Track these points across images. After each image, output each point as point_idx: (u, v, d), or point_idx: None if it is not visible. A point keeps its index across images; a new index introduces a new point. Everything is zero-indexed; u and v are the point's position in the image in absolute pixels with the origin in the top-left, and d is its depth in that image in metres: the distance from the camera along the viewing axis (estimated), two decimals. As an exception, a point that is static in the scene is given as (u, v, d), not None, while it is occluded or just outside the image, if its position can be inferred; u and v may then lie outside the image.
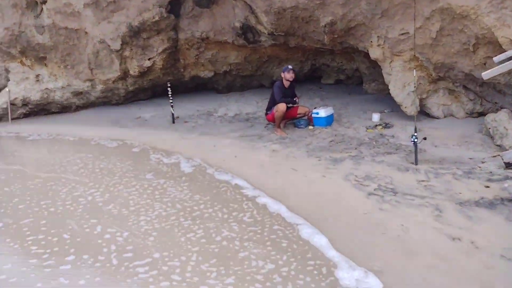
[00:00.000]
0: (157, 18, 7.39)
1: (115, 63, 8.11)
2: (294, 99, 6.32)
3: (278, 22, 6.70)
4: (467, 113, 6.03)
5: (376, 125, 6.09)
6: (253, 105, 8.38)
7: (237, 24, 7.47)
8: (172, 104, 7.31)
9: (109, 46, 7.78)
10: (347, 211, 3.42)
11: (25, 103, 8.65)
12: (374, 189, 3.85)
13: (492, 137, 4.97)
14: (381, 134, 5.73)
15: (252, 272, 2.60)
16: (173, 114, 7.34)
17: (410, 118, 6.22)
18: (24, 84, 8.62)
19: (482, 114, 5.95)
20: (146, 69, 8.09)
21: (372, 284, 2.42)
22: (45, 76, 8.71)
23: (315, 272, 2.58)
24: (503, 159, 4.05)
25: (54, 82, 8.67)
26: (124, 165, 5.02)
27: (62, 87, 8.67)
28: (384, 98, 8.05)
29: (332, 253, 2.74)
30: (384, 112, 6.98)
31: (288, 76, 6.10)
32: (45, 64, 8.61)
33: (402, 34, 5.70)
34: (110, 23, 7.65)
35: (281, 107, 5.96)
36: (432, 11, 5.15)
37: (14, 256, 2.98)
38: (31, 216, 3.67)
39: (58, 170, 5.02)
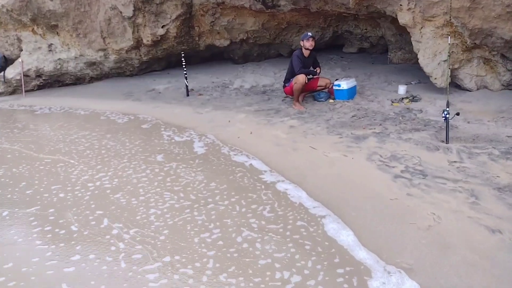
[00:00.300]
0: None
1: (128, 31, 7.80)
2: (315, 69, 5.91)
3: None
4: (503, 85, 5.52)
5: (402, 98, 5.66)
6: (270, 76, 7.99)
7: (255, -12, 7.00)
8: (186, 76, 7.01)
9: (121, 12, 7.44)
10: (372, 197, 3.13)
11: (38, 75, 8.49)
12: (401, 171, 3.53)
13: (533, 112, 4.52)
14: (407, 108, 5.32)
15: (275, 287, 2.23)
16: (187, 87, 7.05)
17: (439, 90, 5.76)
18: (37, 54, 8.42)
19: (520, 86, 5.45)
20: (159, 38, 7.76)
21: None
22: (58, 45, 8.47)
23: (346, 286, 2.20)
24: (547, 139, 3.63)
25: (67, 52, 8.44)
26: (134, 145, 4.72)
27: (75, 57, 8.44)
28: (410, 68, 7.54)
29: (361, 255, 2.42)
30: (411, 83, 6.51)
31: (307, 44, 5.68)
32: (57, 33, 8.36)
33: (436, -4, 5.16)
34: (121, -12, 7.29)
35: (301, 78, 5.59)
36: (471, -31, 4.59)
37: (16, 253, 2.69)
38: (36, 204, 3.40)
39: (63, 150, 4.73)
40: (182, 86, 7.38)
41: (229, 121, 5.43)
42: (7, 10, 8.03)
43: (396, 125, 4.73)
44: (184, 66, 6.95)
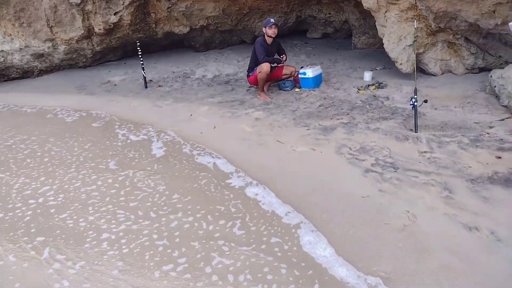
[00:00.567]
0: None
1: (77, 19, 7.20)
2: (281, 57, 5.65)
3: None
4: (467, 69, 5.51)
5: (368, 85, 5.53)
6: (233, 64, 7.67)
7: (212, -28, 6.61)
8: (143, 66, 6.56)
9: None
10: (343, 195, 2.95)
11: (-21, 69, 7.73)
12: (372, 164, 3.37)
13: (497, 97, 4.49)
14: (374, 96, 5.20)
15: None
16: (145, 78, 6.61)
17: (405, 76, 5.69)
18: (-24, 46, 7.65)
19: (484, 69, 5.45)
20: (112, 26, 7.22)
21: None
22: (-1, 36, 7.72)
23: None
24: (515, 125, 3.59)
25: (10, 43, 7.69)
26: (83, 150, 4.12)
27: (20, 49, 7.71)
28: (375, 54, 7.46)
29: (341, 272, 2.16)
30: (376, 69, 6.41)
31: (270, 32, 5.39)
32: (-3, 23, 7.61)
33: (400, -21, 5.00)
34: (66, -27, 6.68)
35: (265, 67, 5.31)
36: (435, -49, 4.45)
37: None
38: None
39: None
40: (139, 77, 6.93)
41: (191, 114, 5.10)
42: None
43: (363, 114, 4.58)
44: (140, 56, 6.49)
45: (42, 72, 8.27)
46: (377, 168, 3.30)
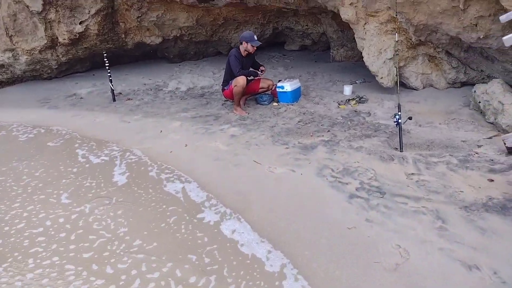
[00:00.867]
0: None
1: (39, 28, 6.73)
2: (260, 69, 5.35)
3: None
4: (449, 83, 5.36)
5: (348, 100, 5.30)
6: (209, 76, 7.34)
7: (185, -20, 6.30)
8: (111, 78, 6.14)
9: (27, 6, 6.37)
10: (327, 226, 2.64)
11: None
12: (356, 189, 3.09)
13: (482, 113, 4.33)
14: (355, 111, 4.96)
15: None
16: (113, 91, 6.19)
17: (386, 90, 5.50)
18: None
19: (466, 84, 5.32)
20: (78, 36, 6.78)
21: None
22: (-46, 46, 7.14)
23: None
24: (505, 144, 3.39)
25: (-34, 54, 7.15)
26: (33, 178, 3.56)
27: (-23, 60, 7.18)
28: (354, 67, 7.29)
29: None
30: (356, 83, 6.21)
31: (250, 49, 5.11)
32: (-48, 31, 7.04)
33: (380, -10, 4.82)
34: (27, -21, 6.23)
35: (241, 81, 5.01)
36: (416, -38, 4.29)
37: None
38: None
39: None
40: (108, 90, 6.49)
41: (161, 131, 4.72)
42: None
43: (345, 131, 4.32)
44: (108, 67, 6.08)
45: (3, 84, 7.71)
46: (362, 193, 3.02)
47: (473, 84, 5.17)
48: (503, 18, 2.90)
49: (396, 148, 3.76)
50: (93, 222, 2.85)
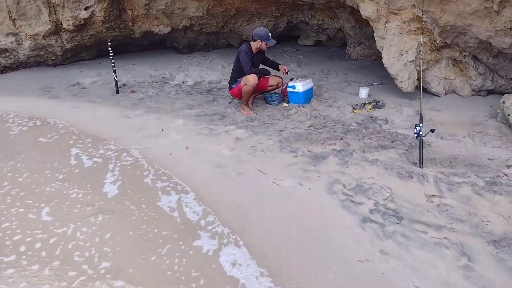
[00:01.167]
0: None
1: (43, 13, 6.47)
2: (284, 70, 5.03)
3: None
4: (473, 91, 4.97)
5: (364, 104, 4.95)
6: (218, 70, 7.02)
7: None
8: (114, 69, 5.87)
9: (31, -10, 6.10)
10: (335, 256, 2.34)
11: None
12: (370, 211, 2.78)
13: (511, 127, 3.96)
14: (371, 117, 4.62)
15: None
16: (116, 82, 5.92)
17: (405, 94, 5.14)
18: None
19: (492, 92, 4.93)
20: (83, 22, 6.50)
21: None
22: (-42, 28, 6.92)
23: None
24: (539, 167, 3.03)
25: (-31, 36, 6.92)
26: (14, 183, 3.17)
27: (-20, 43, 6.95)
28: (371, 66, 6.90)
29: None
30: (372, 84, 5.84)
31: (264, 47, 4.79)
32: (-46, 13, 6.81)
33: (405, -13, 4.44)
34: (31, -40, 5.95)
35: (251, 79, 4.68)
36: (449, -43, 3.89)
37: None
38: None
39: None
40: (112, 81, 6.22)
41: (163, 129, 4.44)
42: None
43: (359, 139, 3.99)
44: (112, 57, 5.80)
45: (7, 69, 7.50)
46: (377, 217, 2.70)
47: (500, 93, 4.79)
48: None
49: (415, 164, 3.43)
50: (74, 251, 2.44)
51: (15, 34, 6.67)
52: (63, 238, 2.57)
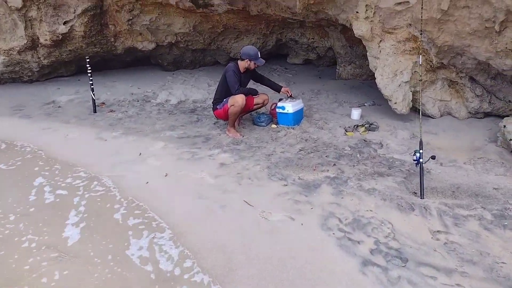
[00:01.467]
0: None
1: (19, 27, 6.12)
2: (287, 93, 4.81)
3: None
4: (470, 113, 4.77)
5: (357, 126, 4.68)
6: (203, 89, 6.72)
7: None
8: (92, 87, 5.52)
9: (6, 1, 5.75)
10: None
11: None
12: (371, 251, 2.46)
13: (513, 152, 3.72)
14: (364, 140, 4.35)
15: None
16: (94, 101, 5.56)
17: (398, 116, 4.91)
18: None
19: (489, 115, 4.73)
20: (61, 37, 6.16)
21: None
22: None
23: None
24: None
25: None
26: None
27: (-49, 58, 6.54)
28: (362, 86, 6.70)
29: None
30: (364, 105, 5.61)
31: (253, 66, 4.53)
32: None
33: (400, 3, 4.25)
34: (6, -28, 5.63)
35: (240, 100, 4.38)
36: (446, -27, 3.72)
37: None
38: None
39: None
40: (91, 98, 5.86)
41: (140, 153, 4.09)
42: None
43: (354, 166, 3.70)
44: (90, 74, 5.46)
45: (-21, 85, 7.06)
46: (378, 259, 2.38)
47: (498, 116, 4.60)
48: None
49: (416, 193, 3.14)
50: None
51: (-13, 49, 6.29)
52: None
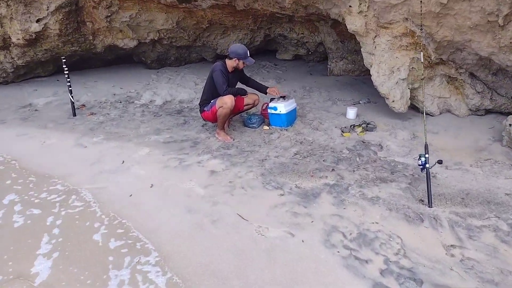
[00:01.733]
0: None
1: (-11, 26, 5.68)
2: (274, 92, 4.49)
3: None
4: (470, 110, 4.58)
5: (353, 126, 4.45)
6: (189, 88, 6.40)
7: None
8: (70, 89, 5.15)
9: (-28, 0, 5.33)
10: None
11: None
12: (381, 272, 2.21)
13: (520, 153, 3.53)
14: (363, 142, 4.11)
15: None
16: (73, 103, 5.20)
17: (396, 115, 4.69)
18: None
19: (490, 112, 4.54)
20: (35, 36, 5.75)
21: None
22: None
23: None
24: None
25: None
26: None
27: None
28: (355, 82, 6.46)
29: None
30: (359, 103, 5.38)
31: (241, 66, 4.24)
32: None
33: (397, -3, 4.00)
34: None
35: (229, 101, 4.09)
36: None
37: None
38: None
39: None
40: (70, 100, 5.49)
41: (123, 161, 3.77)
42: None
43: (354, 171, 3.46)
44: (67, 75, 5.09)
45: (-51, 88, 6.60)
46: (390, 281, 2.14)
47: (500, 113, 4.42)
48: None
49: (423, 201, 2.92)
50: None
51: (-45, 49, 5.85)
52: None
